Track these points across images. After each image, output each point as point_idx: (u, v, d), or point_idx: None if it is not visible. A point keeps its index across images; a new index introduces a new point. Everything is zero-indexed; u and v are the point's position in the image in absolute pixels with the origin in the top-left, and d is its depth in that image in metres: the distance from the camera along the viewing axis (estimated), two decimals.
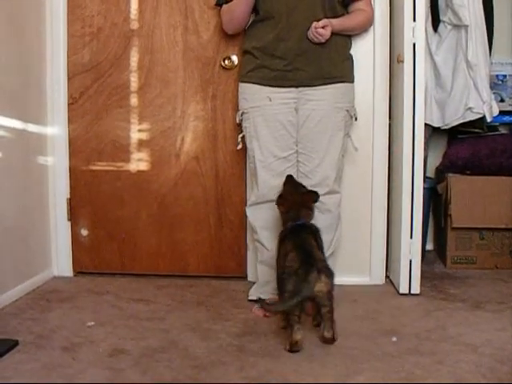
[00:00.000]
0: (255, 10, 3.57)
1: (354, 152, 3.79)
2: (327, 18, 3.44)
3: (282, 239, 3.24)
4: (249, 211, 3.73)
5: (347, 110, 3.60)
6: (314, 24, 3.39)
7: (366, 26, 3.79)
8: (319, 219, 3.46)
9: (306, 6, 3.44)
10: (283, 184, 3.40)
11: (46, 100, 4.19)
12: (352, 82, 3.66)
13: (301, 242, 3.10)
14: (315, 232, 3.29)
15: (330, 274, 3.00)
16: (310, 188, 3.40)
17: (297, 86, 3.48)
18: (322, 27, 3.38)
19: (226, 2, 3.62)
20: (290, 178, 3.43)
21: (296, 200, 3.29)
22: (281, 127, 3.54)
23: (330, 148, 3.56)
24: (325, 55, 3.48)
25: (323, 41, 3.42)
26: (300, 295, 2.87)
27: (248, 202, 3.79)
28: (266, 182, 3.58)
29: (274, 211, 3.56)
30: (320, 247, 3.22)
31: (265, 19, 3.51)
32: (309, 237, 3.19)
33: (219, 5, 3.70)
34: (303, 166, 3.57)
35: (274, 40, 3.46)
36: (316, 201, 3.32)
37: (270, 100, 3.51)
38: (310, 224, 3.31)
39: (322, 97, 3.52)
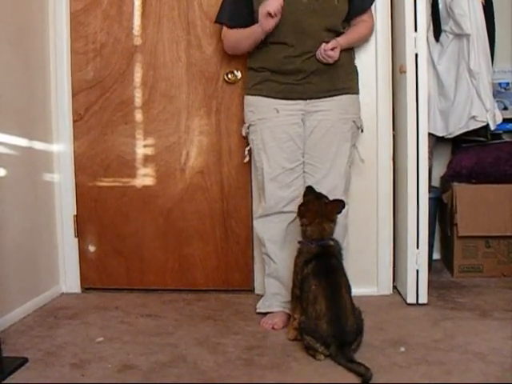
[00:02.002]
0: None
1: (359, 163, 3.80)
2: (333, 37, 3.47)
3: (306, 262, 3.20)
4: (256, 224, 3.74)
5: (354, 121, 3.60)
6: (324, 46, 3.39)
7: (368, 37, 3.82)
8: None
9: (313, 29, 3.43)
10: (304, 195, 3.38)
11: (51, 117, 4.21)
12: (357, 93, 3.68)
13: (329, 288, 3.09)
14: (340, 254, 3.31)
15: (355, 315, 3.09)
16: None
17: (305, 99, 3.49)
18: (332, 49, 3.39)
19: (229, 23, 3.60)
20: (310, 188, 3.39)
21: (319, 211, 3.26)
22: (288, 138, 3.54)
23: (337, 159, 3.56)
24: (332, 70, 3.49)
25: (332, 62, 3.43)
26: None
27: (255, 215, 3.80)
28: (273, 194, 3.58)
29: (281, 224, 3.58)
30: (345, 276, 3.24)
31: (272, 43, 3.49)
32: (337, 274, 3.19)
33: (220, 23, 3.69)
34: (310, 176, 3.56)
35: (282, 63, 3.47)
36: (340, 211, 3.29)
37: (278, 112, 3.51)
38: (334, 245, 3.29)
39: (329, 108, 3.53)
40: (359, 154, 3.76)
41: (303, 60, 3.46)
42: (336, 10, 3.47)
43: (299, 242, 3.32)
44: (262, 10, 3.30)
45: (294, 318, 3.28)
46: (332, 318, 2.98)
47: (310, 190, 3.38)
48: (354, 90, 3.65)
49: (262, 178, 3.62)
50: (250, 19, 3.50)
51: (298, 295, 3.21)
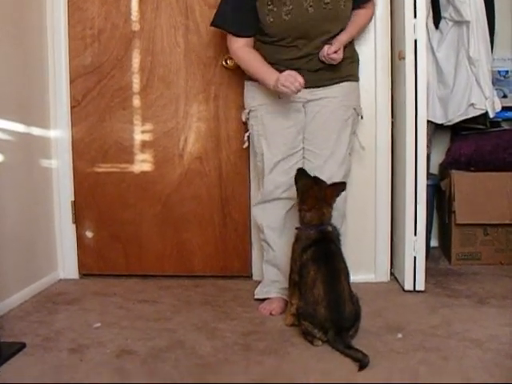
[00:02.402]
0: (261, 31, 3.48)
1: (359, 151, 3.80)
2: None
3: (305, 248, 3.20)
4: (255, 211, 3.73)
5: (354, 108, 3.59)
6: (327, 49, 3.37)
7: (368, 24, 3.78)
8: None
9: (319, 34, 3.40)
10: (297, 179, 3.33)
11: (48, 103, 4.20)
12: (358, 80, 3.67)
13: (328, 273, 3.09)
14: (338, 240, 3.31)
15: (353, 301, 3.10)
16: None
17: (307, 87, 3.46)
18: (335, 52, 3.37)
19: (234, 31, 3.49)
20: (301, 171, 3.36)
21: (319, 196, 3.23)
22: (289, 124, 3.53)
23: (337, 145, 3.54)
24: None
25: (336, 63, 3.42)
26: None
27: (254, 202, 3.79)
28: (272, 180, 3.57)
29: (280, 210, 3.58)
30: (344, 263, 3.23)
31: (276, 45, 3.45)
32: (336, 260, 3.18)
33: (222, 28, 3.58)
34: (309, 163, 3.54)
35: (286, 63, 3.42)
36: (339, 194, 3.28)
37: (280, 97, 3.49)
38: (333, 230, 3.28)
39: (331, 95, 3.51)
40: (359, 141, 3.77)
41: (307, 61, 3.45)
42: (343, 15, 3.42)
43: (297, 228, 3.31)
44: (284, 81, 3.25)
45: (292, 303, 3.28)
46: (330, 304, 2.99)
47: (302, 173, 3.35)
48: (355, 78, 3.64)
49: (262, 163, 3.61)
50: (256, 28, 3.45)
51: (296, 281, 3.21)
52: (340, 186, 3.28)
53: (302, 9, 3.32)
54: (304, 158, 3.57)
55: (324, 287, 3.02)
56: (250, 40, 3.50)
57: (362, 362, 2.74)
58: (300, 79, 3.22)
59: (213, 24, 3.56)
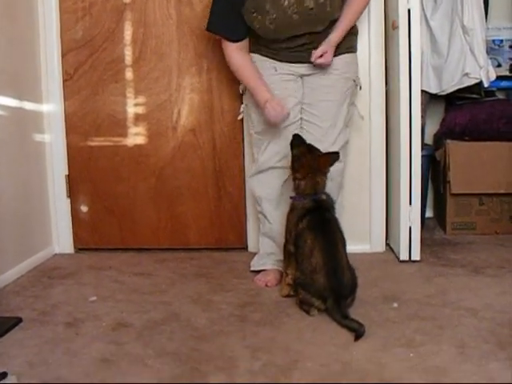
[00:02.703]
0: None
1: (355, 120, 3.79)
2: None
3: (300, 218, 3.19)
4: (251, 182, 3.72)
5: (354, 80, 3.56)
6: (314, 55, 3.35)
7: (365, 7, 3.57)
8: None
9: (307, 33, 3.36)
10: (293, 145, 3.31)
11: (40, 77, 4.18)
12: (356, 51, 3.61)
13: (325, 242, 3.10)
14: (333, 208, 3.32)
15: (351, 270, 3.12)
16: None
17: (304, 62, 3.43)
18: (321, 56, 3.34)
19: (228, 36, 3.47)
20: (298, 137, 3.33)
21: (312, 165, 3.21)
22: (287, 94, 3.49)
23: (337, 117, 3.52)
24: None
25: (328, 64, 3.41)
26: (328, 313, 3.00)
27: (250, 173, 3.78)
28: (268, 149, 3.57)
29: (276, 180, 3.57)
30: (340, 231, 3.24)
31: (267, 40, 3.44)
32: (332, 228, 3.19)
33: (215, 33, 3.55)
34: (308, 134, 3.49)
35: (284, 49, 3.42)
36: (333, 163, 3.26)
37: (276, 70, 3.47)
38: (327, 199, 3.28)
39: (331, 68, 3.46)
40: (358, 111, 3.77)
41: (305, 48, 3.41)
42: (330, 17, 3.34)
43: (291, 198, 3.30)
44: (271, 109, 3.32)
45: (287, 274, 3.28)
46: (329, 272, 2.99)
47: (298, 140, 3.32)
48: (354, 49, 3.59)
49: (262, 135, 3.60)
50: (246, 31, 3.42)
51: (292, 252, 3.21)
52: (334, 156, 3.27)
53: (286, 16, 3.27)
54: (303, 128, 3.54)
55: (322, 255, 3.03)
56: (243, 43, 3.47)
57: (358, 332, 2.75)
58: (286, 111, 3.32)
59: (207, 29, 3.53)
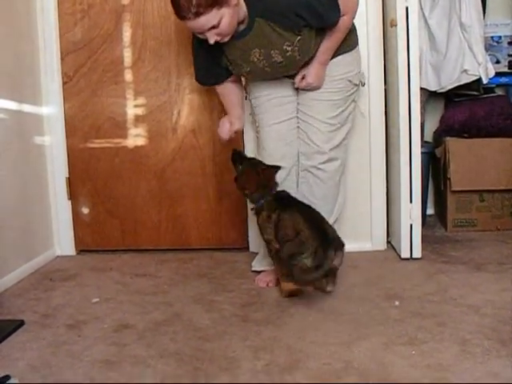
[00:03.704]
0: None
1: (359, 118, 3.79)
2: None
3: (269, 212, 3.25)
4: None
5: (349, 80, 3.51)
6: (296, 83, 3.42)
7: (345, 32, 3.37)
8: (322, 187, 3.51)
9: (282, 74, 3.41)
10: (234, 161, 3.38)
11: (40, 80, 4.18)
12: (354, 48, 3.48)
13: (310, 217, 3.15)
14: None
15: (343, 247, 3.15)
16: (308, 152, 3.48)
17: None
18: (302, 79, 3.37)
19: (208, 83, 3.57)
20: (238, 153, 3.43)
21: (257, 180, 3.29)
22: (285, 91, 3.49)
23: (332, 115, 3.46)
24: None
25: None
26: (322, 271, 3.03)
27: None
28: (268, 146, 3.56)
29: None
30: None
31: None
32: (312, 209, 3.25)
33: (200, 83, 3.61)
34: (302, 132, 3.51)
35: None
36: (276, 173, 3.34)
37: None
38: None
39: (330, 68, 3.41)
40: (360, 108, 3.79)
41: (288, 77, 3.45)
42: (301, 61, 3.30)
43: (252, 209, 3.37)
44: (219, 124, 3.51)
45: (282, 273, 3.30)
46: (312, 225, 3.09)
47: (238, 155, 3.41)
48: (351, 47, 3.47)
49: (260, 127, 3.59)
50: (226, 74, 3.44)
51: (278, 248, 3.23)
52: (274, 169, 3.34)
53: (258, 69, 3.30)
54: (299, 127, 3.55)
55: (302, 217, 3.12)
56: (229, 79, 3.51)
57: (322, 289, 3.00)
58: (233, 129, 3.49)
59: (196, 80, 3.57)
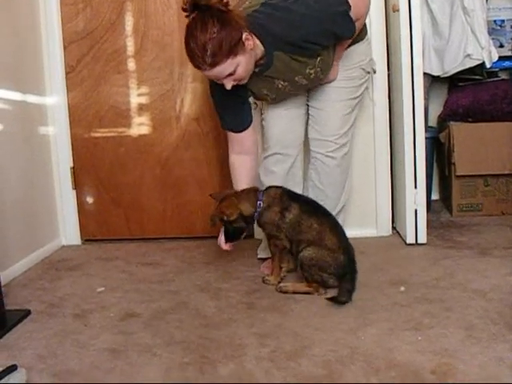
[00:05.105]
0: None
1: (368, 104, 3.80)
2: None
3: (282, 210, 3.22)
4: (259, 170, 3.71)
5: (363, 68, 3.49)
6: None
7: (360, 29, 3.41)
8: (330, 175, 3.53)
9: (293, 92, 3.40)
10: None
11: (43, 70, 4.18)
12: (364, 37, 3.47)
13: (329, 221, 3.19)
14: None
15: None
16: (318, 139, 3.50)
17: None
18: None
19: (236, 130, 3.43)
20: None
21: (242, 195, 3.29)
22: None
23: (340, 103, 3.48)
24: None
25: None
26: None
27: (260, 162, 3.75)
28: (275, 133, 3.57)
29: (284, 164, 3.57)
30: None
31: None
32: (322, 207, 3.28)
33: (228, 130, 3.46)
34: (313, 119, 3.53)
35: None
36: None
37: None
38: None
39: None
40: (369, 94, 3.82)
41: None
42: (324, 77, 3.33)
43: (256, 212, 3.30)
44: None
45: (281, 268, 3.33)
46: (345, 249, 3.11)
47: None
48: (362, 37, 3.45)
49: (265, 118, 3.60)
50: (251, 116, 3.42)
51: (286, 246, 3.24)
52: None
53: (284, 93, 3.34)
54: (308, 113, 3.56)
55: (335, 235, 3.13)
56: (246, 148, 3.44)
57: (336, 300, 2.96)
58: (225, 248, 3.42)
59: (222, 128, 3.50)
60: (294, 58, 3.10)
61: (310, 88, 3.42)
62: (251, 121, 3.41)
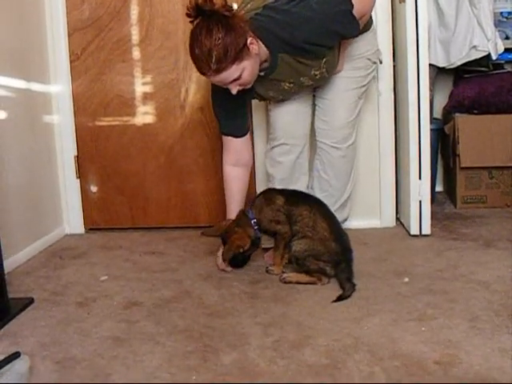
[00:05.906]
0: None
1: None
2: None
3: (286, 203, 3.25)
4: (265, 159, 3.72)
5: (368, 59, 3.50)
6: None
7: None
8: (335, 165, 3.53)
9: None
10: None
11: (47, 58, 4.17)
12: (369, 27, 3.47)
13: (323, 210, 3.20)
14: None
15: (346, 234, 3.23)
16: (325, 129, 3.51)
17: None
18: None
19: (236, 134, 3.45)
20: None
21: (240, 222, 3.32)
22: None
23: (346, 92, 3.49)
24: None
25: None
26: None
27: (266, 153, 3.77)
28: (282, 124, 3.57)
29: (291, 154, 3.57)
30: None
31: None
32: (315, 198, 3.32)
33: (226, 135, 3.49)
34: (320, 109, 3.53)
35: None
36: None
37: None
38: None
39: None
40: (378, 85, 3.84)
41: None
42: (330, 76, 3.35)
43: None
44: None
45: (283, 256, 3.31)
46: (337, 237, 3.10)
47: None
48: (367, 28, 3.44)
49: (273, 112, 3.59)
50: (248, 122, 3.47)
51: (287, 232, 3.24)
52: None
53: (290, 93, 3.37)
54: (314, 103, 3.57)
55: (327, 223, 3.13)
56: (242, 160, 3.50)
57: (343, 297, 2.92)
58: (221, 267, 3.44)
59: (220, 132, 3.52)
60: (299, 61, 3.11)
61: (316, 86, 3.42)
62: (249, 128, 3.46)
